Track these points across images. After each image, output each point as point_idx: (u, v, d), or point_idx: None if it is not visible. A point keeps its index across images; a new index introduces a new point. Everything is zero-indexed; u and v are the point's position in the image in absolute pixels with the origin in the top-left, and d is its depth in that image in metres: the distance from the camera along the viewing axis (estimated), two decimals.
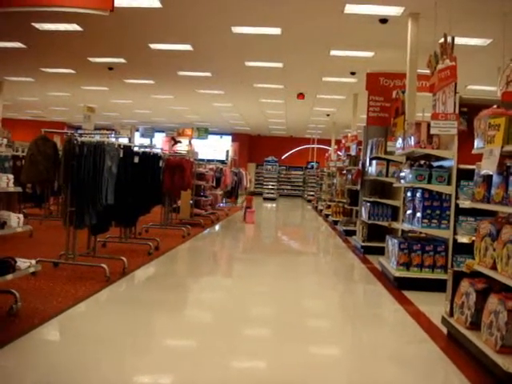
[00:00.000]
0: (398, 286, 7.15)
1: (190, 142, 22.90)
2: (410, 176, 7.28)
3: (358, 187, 11.81)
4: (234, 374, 4.09)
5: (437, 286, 6.52)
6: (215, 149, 33.88)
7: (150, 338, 4.86)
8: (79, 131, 8.13)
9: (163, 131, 28.29)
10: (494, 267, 4.18)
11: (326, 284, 8.04)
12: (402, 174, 7.85)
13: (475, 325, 4.36)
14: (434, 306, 5.88)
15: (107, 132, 8.50)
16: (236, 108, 25.62)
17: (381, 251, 8.72)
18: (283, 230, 17.43)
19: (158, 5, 10.42)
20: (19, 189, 5.12)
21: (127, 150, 8.02)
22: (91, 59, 15.74)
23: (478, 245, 4.54)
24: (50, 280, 6.43)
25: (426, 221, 7.04)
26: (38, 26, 12.15)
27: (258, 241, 13.84)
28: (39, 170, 7.89)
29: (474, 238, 4.76)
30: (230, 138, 38.05)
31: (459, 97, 6.66)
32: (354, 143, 14.12)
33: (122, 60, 15.73)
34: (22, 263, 4.91)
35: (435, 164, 7.48)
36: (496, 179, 4.33)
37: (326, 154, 25.79)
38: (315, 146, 34.75)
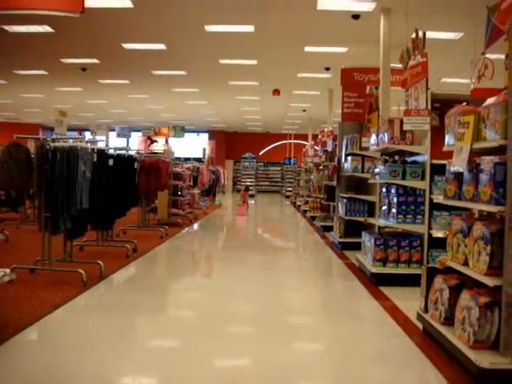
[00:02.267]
0: (375, 282, 7.23)
1: (166, 141, 22.80)
2: (385, 172, 7.35)
3: (335, 183, 11.88)
4: (217, 372, 4.12)
5: (413, 281, 6.54)
6: (192, 147, 33.84)
7: (130, 341, 4.85)
8: (53, 135, 8.08)
9: (139, 130, 28.17)
10: (466, 263, 4.24)
11: (305, 281, 8.09)
12: (377, 170, 7.92)
13: (449, 320, 4.43)
14: (410, 302, 5.94)
15: (80, 137, 8.44)
16: (212, 105, 25.59)
17: (358, 247, 8.77)
18: (262, 227, 17.47)
19: (129, 5, 10.37)
20: None
21: (101, 153, 7.99)
22: (64, 60, 15.62)
23: (451, 241, 4.61)
24: (27, 287, 6.41)
25: (401, 216, 7.13)
26: (7, 28, 12.04)
27: (237, 238, 13.86)
28: (12, 177, 7.84)
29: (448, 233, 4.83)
30: (206, 135, 38.03)
31: (431, 93, 6.72)
32: (330, 139, 14.18)
33: (95, 60, 15.63)
34: None
35: (409, 159, 7.56)
36: (466, 176, 4.39)
37: (303, 150, 25.89)
38: (292, 141, 34.87)
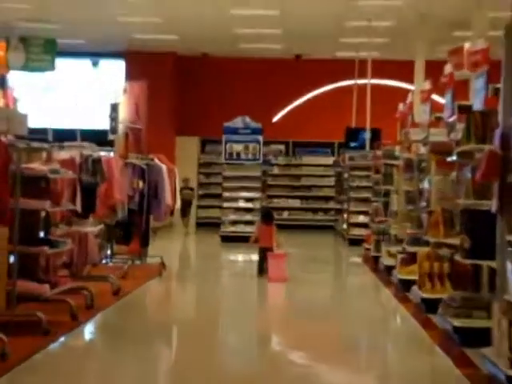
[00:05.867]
0: None
1: (2, 81, 22.99)
2: None
3: (494, 204, 11.65)
4: None
5: None
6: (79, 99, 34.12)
7: None
8: None
9: None
10: None
11: None
12: None
13: None
14: None
15: None
16: None
17: None
18: (286, 338, 17.13)
19: None
20: None
21: None
22: None
23: None
24: None
25: None
26: None
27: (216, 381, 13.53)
28: None
29: None
30: (123, 65, 38.18)
31: None
32: (482, 76, 14.02)
33: None
34: None
35: None
36: None
37: (401, 106, 25.85)
38: (368, 81, 34.86)
